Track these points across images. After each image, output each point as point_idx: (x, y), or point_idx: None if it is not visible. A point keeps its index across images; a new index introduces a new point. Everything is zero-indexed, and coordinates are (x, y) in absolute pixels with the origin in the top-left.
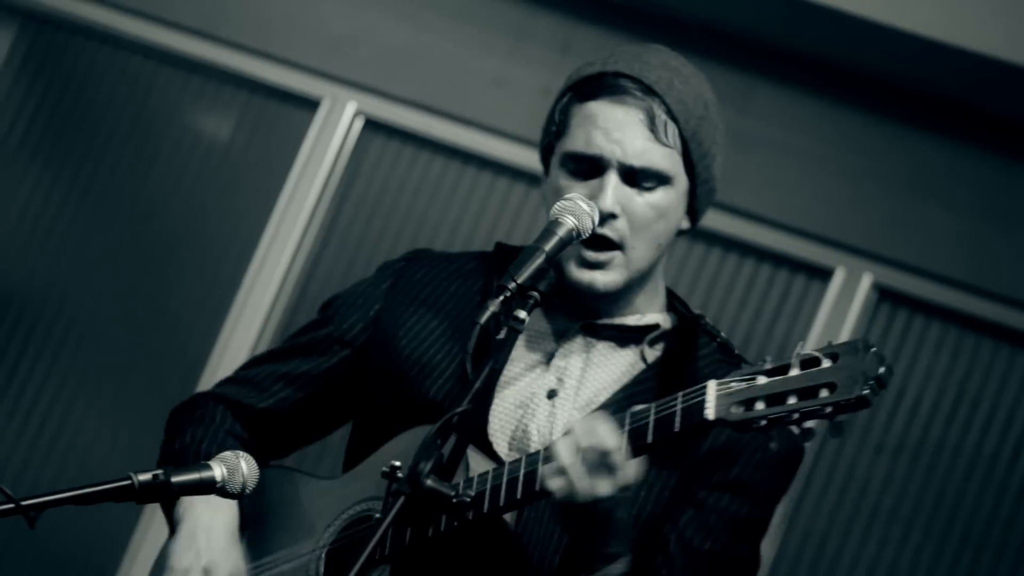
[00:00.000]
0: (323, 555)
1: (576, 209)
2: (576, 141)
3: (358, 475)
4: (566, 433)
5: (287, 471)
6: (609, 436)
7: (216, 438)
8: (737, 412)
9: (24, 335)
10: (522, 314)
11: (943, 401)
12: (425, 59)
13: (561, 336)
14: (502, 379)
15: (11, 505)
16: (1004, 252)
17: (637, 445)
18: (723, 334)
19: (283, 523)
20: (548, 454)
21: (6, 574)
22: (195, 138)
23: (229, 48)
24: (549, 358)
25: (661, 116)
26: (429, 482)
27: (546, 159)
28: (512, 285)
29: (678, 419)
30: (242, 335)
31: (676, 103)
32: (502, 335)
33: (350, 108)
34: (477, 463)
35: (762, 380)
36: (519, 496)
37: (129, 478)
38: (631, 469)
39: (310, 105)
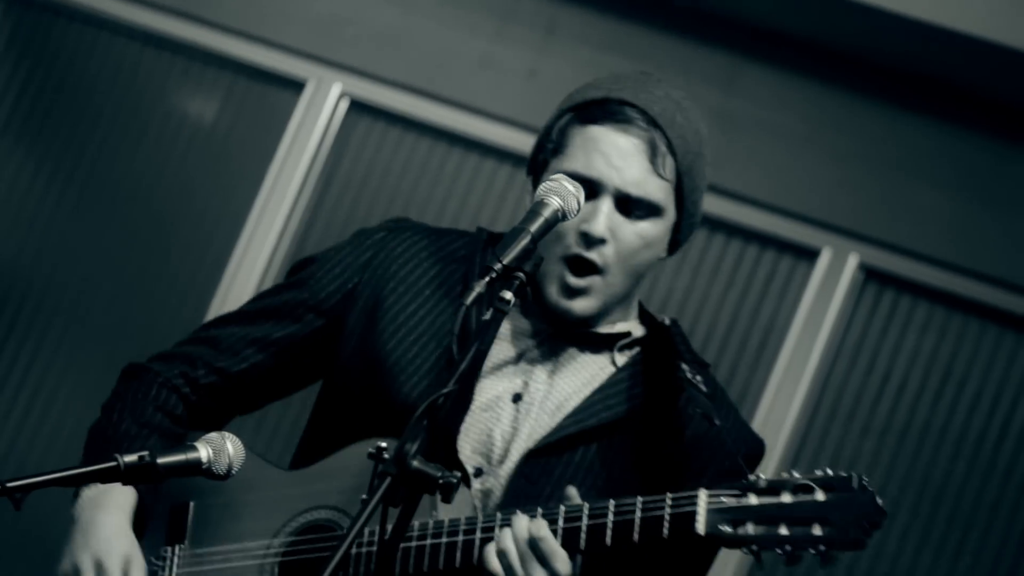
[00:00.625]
0: (277, 563)
1: (562, 190)
2: (575, 162)
3: (319, 475)
4: (506, 523)
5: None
6: (542, 527)
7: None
8: (727, 530)
9: (10, 316)
10: (508, 295)
11: (929, 382)
12: (410, 41)
13: (533, 337)
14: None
15: None
16: (991, 232)
17: (623, 541)
18: (688, 342)
19: (236, 510)
20: (486, 533)
21: None
22: (180, 120)
23: (214, 29)
24: (518, 359)
25: (662, 149)
26: (415, 463)
27: (536, 172)
28: (498, 266)
29: (666, 525)
30: None
31: (677, 138)
32: (487, 316)
33: (335, 90)
34: None
35: (753, 499)
36: (458, 564)
37: (115, 459)
38: (566, 564)
39: (295, 87)
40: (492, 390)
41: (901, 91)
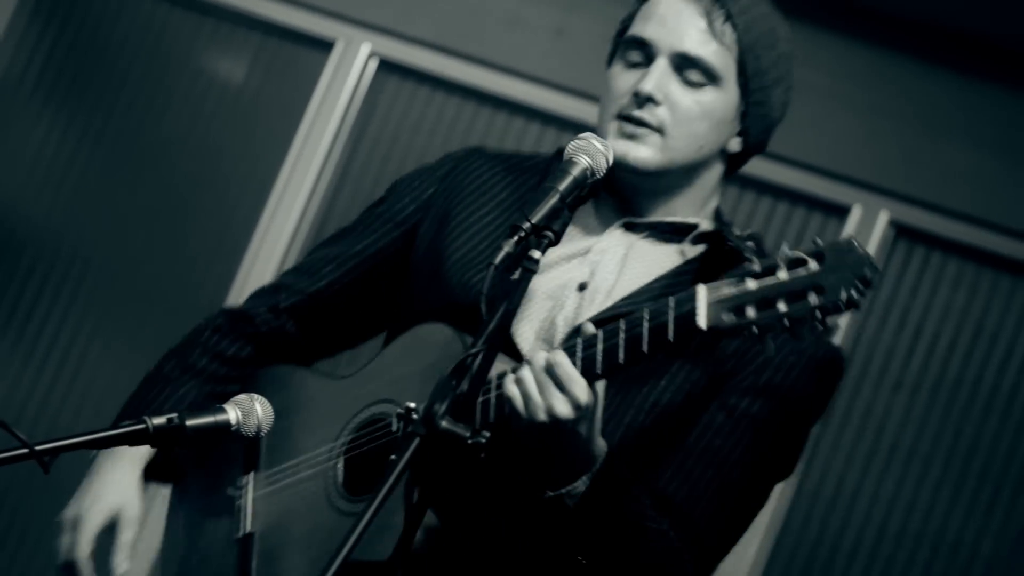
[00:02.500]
0: (340, 462)
1: (591, 148)
2: (634, 29)
3: (369, 375)
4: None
5: (300, 370)
6: (558, 354)
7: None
8: (729, 319)
9: (40, 279)
10: (536, 254)
11: (961, 338)
12: (439, 0)
13: (603, 228)
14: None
15: (25, 450)
16: (1022, 188)
17: (634, 354)
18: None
19: (301, 428)
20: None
21: (22, 522)
22: (209, 80)
23: None
24: (588, 251)
25: (720, 17)
26: (444, 423)
27: (610, 61)
28: (527, 225)
29: (671, 328)
30: (258, 277)
31: (739, 13)
32: (516, 275)
33: (364, 49)
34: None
35: (751, 284)
36: (491, 419)
37: (144, 422)
38: (584, 390)
39: (324, 46)
40: (558, 279)
41: (930, 46)
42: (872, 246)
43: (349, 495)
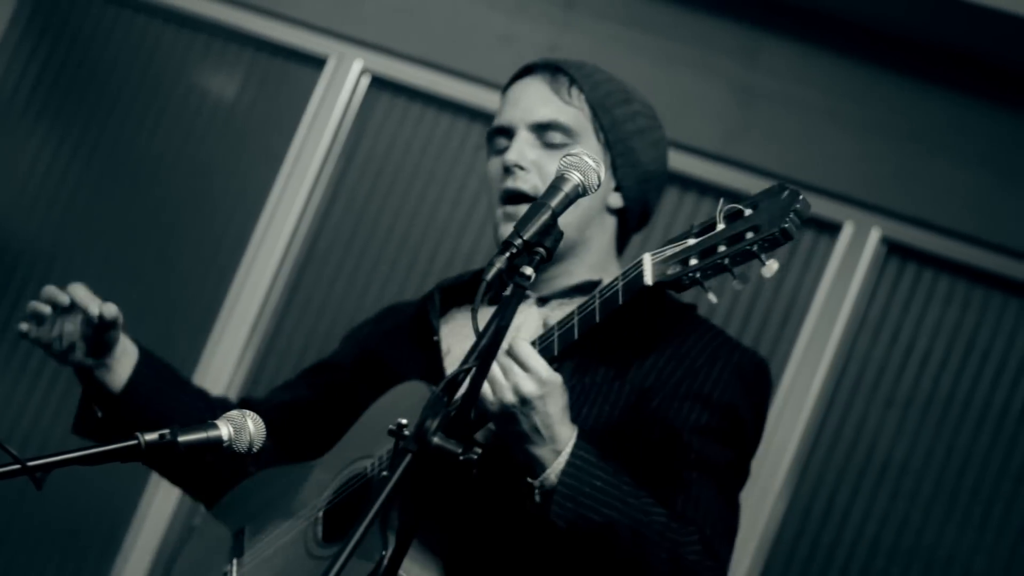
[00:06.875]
0: (320, 516)
1: (582, 165)
2: (495, 122)
3: (348, 442)
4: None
5: (283, 466)
6: (517, 341)
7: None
8: (673, 271)
9: (32, 294)
10: (528, 270)
11: (952, 354)
12: (431, 16)
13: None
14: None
15: (17, 466)
16: (1013, 205)
17: (587, 329)
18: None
19: (281, 508)
20: None
21: (15, 539)
22: (201, 97)
23: (234, 6)
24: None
25: (565, 83)
26: (436, 440)
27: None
28: (518, 241)
29: (620, 295)
30: (249, 294)
31: (583, 77)
32: (508, 292)
33: (356, 66)
34: None
35: (692, 240)
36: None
37: (136, 438)
38: (545, 366)
39: (316, 63)
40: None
41: (922, 64)
42: (863, 263)
43: (325, 543)
